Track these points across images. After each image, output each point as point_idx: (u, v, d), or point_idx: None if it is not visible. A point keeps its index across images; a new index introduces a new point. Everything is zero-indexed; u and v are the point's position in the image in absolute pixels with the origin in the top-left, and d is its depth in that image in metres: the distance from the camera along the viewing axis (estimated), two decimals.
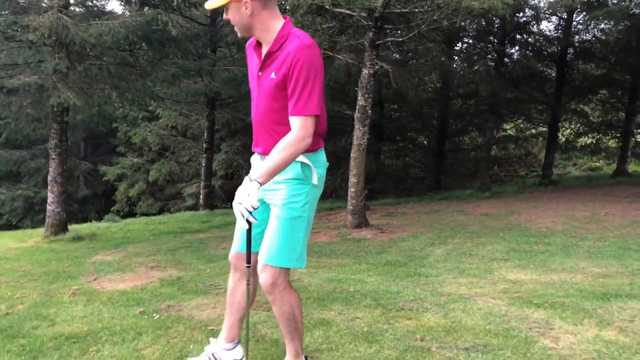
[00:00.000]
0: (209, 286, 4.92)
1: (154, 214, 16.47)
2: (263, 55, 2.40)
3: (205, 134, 13.30)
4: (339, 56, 7.53)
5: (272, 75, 2.35)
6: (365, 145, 7.52)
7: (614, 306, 3.54)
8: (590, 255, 5.48)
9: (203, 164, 13.55)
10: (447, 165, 18.87)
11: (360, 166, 7.62)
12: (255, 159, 2.64)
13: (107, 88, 9.10)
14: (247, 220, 2.25)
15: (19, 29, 6.70)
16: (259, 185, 2.24)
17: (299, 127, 2.27)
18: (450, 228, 7.99)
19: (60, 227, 9.03)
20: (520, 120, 17.87)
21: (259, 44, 2.45)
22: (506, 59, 15.18)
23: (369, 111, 7.37)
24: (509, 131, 19.91)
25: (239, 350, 2.83)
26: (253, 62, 2.49)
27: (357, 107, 7.38)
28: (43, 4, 7.86)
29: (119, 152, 19.94)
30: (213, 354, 2.81)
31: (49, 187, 9.12)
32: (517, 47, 15.71)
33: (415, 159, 20.29)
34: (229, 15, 2.37)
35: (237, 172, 16.55)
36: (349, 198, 7.92)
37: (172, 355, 3.13)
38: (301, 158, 2.40)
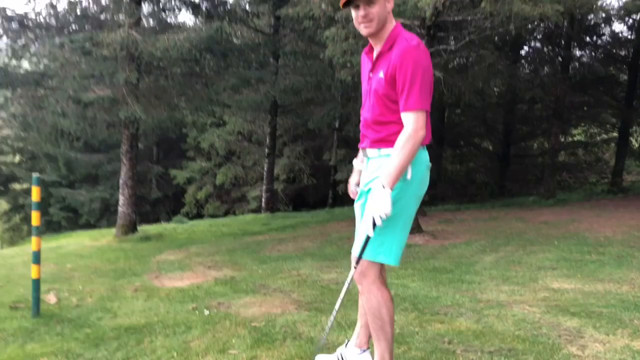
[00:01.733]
0: (259, 286, 5.19)
1: (220, 216, 17.09)
2: (374, 57, 2.56)
3: (267, 139, 13.72)
4: None
5: (381, 74, 2.49)
6: None
7: None
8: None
9: (265, 169, 13.98)
10: (513, 172, 18.45)
11: None
12: (356, 161, 2.80)
13: (175, 96, 9.63)
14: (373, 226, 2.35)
15: (94, 45, 7.26)
16: (390, 189, 2.35)
17: (412, 121, 2.38)
18: (505, 236, 7.92)
19: (130, 228, 9.63)
20: (588, 126, 17.23)
21: (370, 49, 2.61)
22: (574, 63, 14.71)
23: None
24: (578, 137, 19.21)
25: (367, 358, 2.83)
26: (366, 65, 2.67)
27: None
28: (119, 19, 8.45)
29: (188, 156, 20.82)
30: (342, 354, 2.86)
31: (120, 190, 9.75)
32: (586, 50, 15.18)
33: (479, 164, 19.95)
34: (372, 10, 2.46)
35: (298, 176, 16.92)
36: None
37: (215, 348, 3.39)
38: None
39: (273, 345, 3.38)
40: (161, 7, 9.72)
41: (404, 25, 6.97)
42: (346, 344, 2.90)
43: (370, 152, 2.65)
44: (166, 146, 22.90)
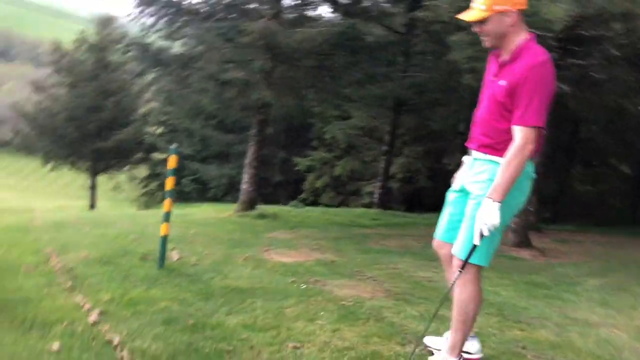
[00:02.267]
0: (355, 272, 5.51)
1: (334, 206, 17.65)
2: (500, 63, 2.72)
3: (387, 137, 13.97)
4: None
5: (503, 82, 2.64)
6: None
7: None
8: None
9: (382, 165, 14.25)
10: None
11: None
12: (466, 158, 2.99)
13: (304, 87, 10.20)
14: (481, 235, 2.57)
15: (237, 33, 7.97)
16: (498, 203, 2.53)
17: (521, 136, 2.52)
18: (621, 262, 7.56)
19: (250, 205, 10.38)
20: None
21: (498, 54, 2.75)
22: None
23: (544, 132, 7.29)
24: None
25: (474, 344, 3.04)
26: (490, 68, 2.83)
27: None
28: (261, 10, 9.13)
29: (312, 145, 21.64)
30: (447, 338, 3.04)
31: (244, 169, 10.53)
32: None
33: (612, 186, 18.66)
34: (486, 27, 2.63)
35: (415, 176, 16.98)
36: None
37: (306, 316, 3.77)
38: (500, 160, 2.63)
39: (356, 322, 3.69)
40: (302, 0, 10.33)
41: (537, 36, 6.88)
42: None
43: (477, 154, 2.84)
44: (293, 134, 23.98)
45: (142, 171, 34.27)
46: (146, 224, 8.49)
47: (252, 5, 9.62)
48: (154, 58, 8.95)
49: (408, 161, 17.09)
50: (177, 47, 9.54)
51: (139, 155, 33.17)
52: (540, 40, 6.44)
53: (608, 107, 8.63)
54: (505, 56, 2.70)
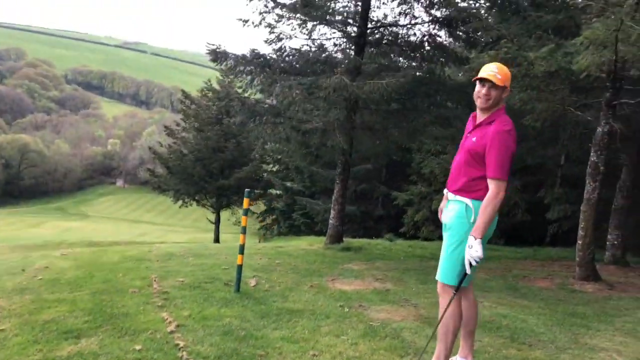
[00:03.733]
0: (402, 300, 6.19)
1: (432, 240, 18.02)
2: (476, 123, 3.55)
3: None
4: (578, 113, 7.87)
5: (474, 139, 3.44)
6: (595, 200, 7.68)
7: None
8: None
9: None
10: None
11: (589, 220, 7.78)
12: (446, 192, 3.74)
13: (383, 129, 11.07)
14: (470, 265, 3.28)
15: (316, 88, 9.08)
16: (479, 239, 3.23)
17: (493, 186, 3.26)
18: None
19: (336, 238, 11.30)
20: None
21: (475, 116, 3.57)
22: None
23: (602, 167, 7.54)
24: None
25: None
26: (468, 126, 3.66)
27: (589, 163, 7.64)
28: (339, 64, 10.20)
29: (411, 180, 22.21)
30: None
31: (332, 205, 11.52)
32: None
33: None
34: (491, 92, 3.39)
35: (512, 211, 16.95)
36: (576, 250, 8.11)
37: (334, 333, 4.60)
38: (466, 201, 3.40)
39: (374, 339, 4.46)
40: (381, 51, 11.29)
41: (588, 76, 7.29)
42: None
43: (450, 196, 3.61)
44: (393, 169, 24.74)
45: (261, 206, 36.71)
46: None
47: (334, 59, 10.73)
48: (251, 110, 10.33)
49: (507, 195, 17.08)
50: (270, 100, 10.86)
51: (258, 191, 35.71)
52: (594, 80, 6.75)
53: None
54: (482, 118, 3.48)
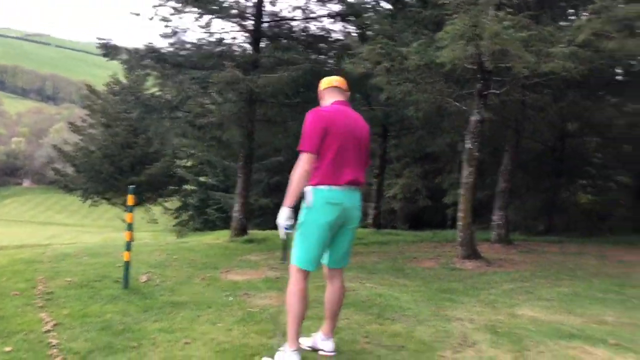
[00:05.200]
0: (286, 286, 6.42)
1: None
2: None
3: (378, 160, 14.87)
4: (456, 103, 8.42)
5: None
6: (472, 183, 8.28)
7: (550, 343, 4.13)
8: (633, 307, 5.58)
9: (375, 187, 15.16)
10: None
11: (467, 202, 8.38)
12: None
13: (283, 122, 11.29)
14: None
15: (210, 82, 9.14)
16: (285, 207, 3.53)
17: (299, 158, 3.57)
18: (557, 270, 8.19)
19: (240, 231, 11.42)
20: None
21: None
22: None
23: (476, 154, 8.14)
24: None
25: (329, 344, 3.93)
26: None
27: (464, 150, 8.21)
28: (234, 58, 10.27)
29: None
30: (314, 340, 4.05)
31: (235, 199, 11.62)
32: None
33: (612, 198, 18.94)
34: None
35: (414, 197, 17.77)
36: (457, 231, 8.70)
37: (212, 321, 4.75)
38: (305, 188, 3.58)
39: (249, 324, 4.66)
40: (278, 44, 11.48)
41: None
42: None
43: None
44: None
45: (176, 202, 36.03)
46: (139, 252, 9.62)
47: (232, 52, 10.80)
48: (145, 104, 10.21)
49: (409, 182, 17.89)
50: (167, 95, 10.77)
51: (171, 187, 35.08)
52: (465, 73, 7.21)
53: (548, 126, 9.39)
54: None
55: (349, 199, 3.69)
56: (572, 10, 9.65)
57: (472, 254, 8.64)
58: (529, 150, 15.33)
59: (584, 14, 7.20)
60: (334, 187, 3.62)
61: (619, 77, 13.97)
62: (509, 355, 3.86)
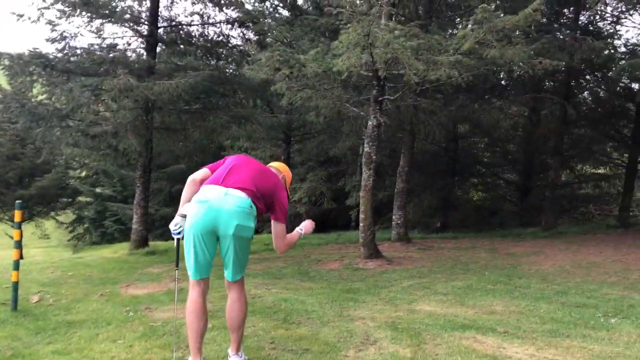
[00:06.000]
0: None
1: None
2: None
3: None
4: (354, 109, 8.68)
5: None
6: (371, 186, 8.56)
7: (445, 335, 4.38)
8: (519, 296, 6.05)
9: None
10: (533, 203, 18.68)
11: (367, 204, 8.65)
12: None
13: (183, 129, 11.06)
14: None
15: (102, 90, 8.77)
16: (177, 215, 3.52)
17: None
18: (452, 264, 8.67)
19: (140, 243, 11.05)
20: (594, 160, 17.35)
21: None
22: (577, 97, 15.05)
23: (374, 157, 8.43)
24: (591, 170, 19.27)
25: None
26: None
27: (363, 153, 8.48)
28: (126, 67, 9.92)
29: None
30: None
31: (134, 210, 11.21)
32: (590, 85, 15.34)
33: (499, 194, 20.32)
34: None
35: (319, 200, 18.02)
36: (359, 232, 8.95)
37: (112, 338, 4.56)
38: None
39: (151, 339, 4.53)
40: (176, 50, 11.24)
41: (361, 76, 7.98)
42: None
43: None
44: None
45: (70, 215, 34.03)
46: (30, 271, 9.03)
47: (127, 59, 10.43)
48: (32, 113, 9.58)
49: (313, 185, 18.11)
50: (57, 103, 10.18)
51: (64, 200, 33.02)
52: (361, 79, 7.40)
53: (442, 129, 9.97)
54: None
55: (220, 199, 3.37)
56: (459, 20, 10.27)
57: (374, 253, 8.92)
58: (424, 151, 16.11)
59: (469, 24, 7.69)
60: (207, 185, 3.48)
61: (503, 82, 15.08)
62: (408, 350, 4.03)
